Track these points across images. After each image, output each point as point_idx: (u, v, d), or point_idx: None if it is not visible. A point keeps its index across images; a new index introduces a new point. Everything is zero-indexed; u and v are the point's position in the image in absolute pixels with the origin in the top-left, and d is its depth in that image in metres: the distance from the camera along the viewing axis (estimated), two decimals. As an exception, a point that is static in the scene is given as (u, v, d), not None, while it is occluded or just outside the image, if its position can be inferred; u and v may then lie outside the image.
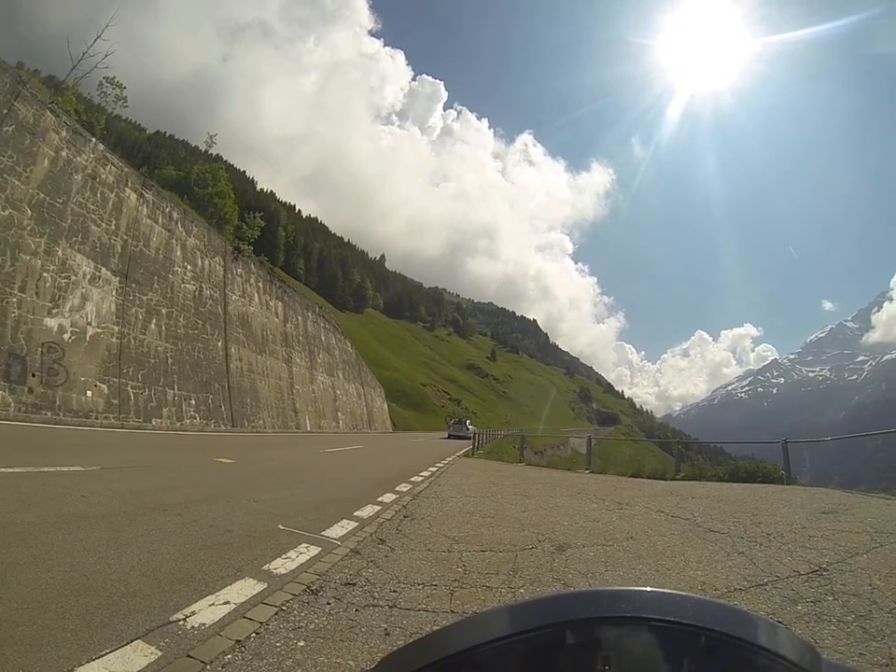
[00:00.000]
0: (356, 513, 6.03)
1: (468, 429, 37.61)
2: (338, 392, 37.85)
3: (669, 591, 0.46)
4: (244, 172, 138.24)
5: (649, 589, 0.46)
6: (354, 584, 3.61)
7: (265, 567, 3.75)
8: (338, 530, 5.14)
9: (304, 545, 4.44)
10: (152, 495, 5.75)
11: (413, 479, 9.84)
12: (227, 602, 3.07)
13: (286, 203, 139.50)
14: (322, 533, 4.95)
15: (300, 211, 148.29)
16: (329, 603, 3.25)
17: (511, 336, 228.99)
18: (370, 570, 3.97)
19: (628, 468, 14.16)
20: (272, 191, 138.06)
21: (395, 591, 3.53)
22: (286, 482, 8.33)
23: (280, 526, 4.99)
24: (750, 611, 0.47)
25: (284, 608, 3.12)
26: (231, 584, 3.34)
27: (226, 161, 78.47)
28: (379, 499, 7.14)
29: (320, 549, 4.40)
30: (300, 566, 3.91)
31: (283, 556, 4.06)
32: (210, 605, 2.99)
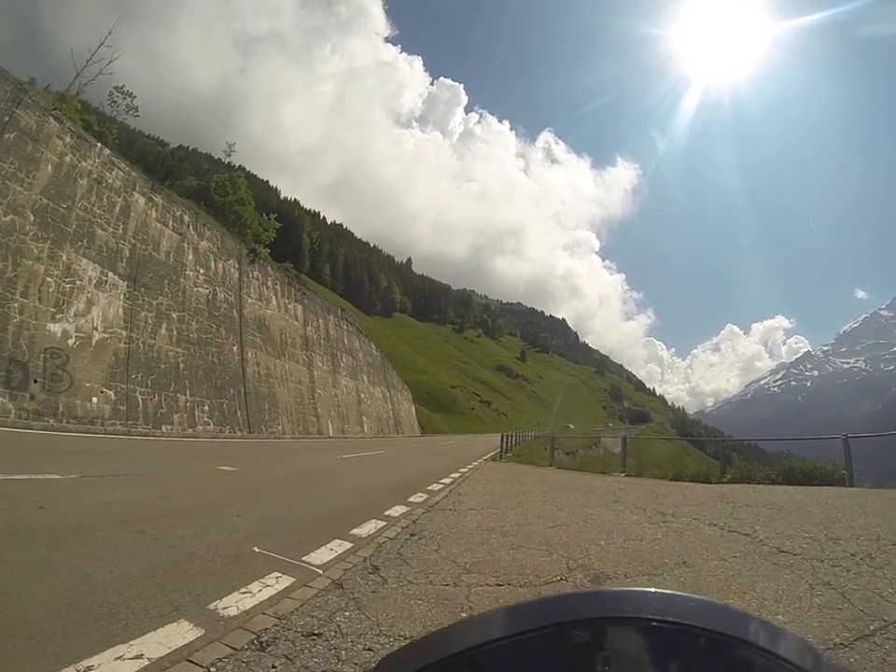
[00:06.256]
0: (353, 531, 5.20)
1: None
2: (362, 396, 37.26)
3: (671, 592, 0.45)
4: (267, 181, 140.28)
5: (651, 590, 0.45)
6: (319, 635, 2.74)
7: (212, 606, 2.96)
8: (324, 554, 4.30)
9: (276, 574, 3.63)
10: (126, 507, 5.16)
11: (431, 487, 8.98)
12: (139, 656, 2.33)
13: (310, 210, 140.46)
14: (303, 558, 4.11)
15: (324, 218, 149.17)
16: (274, 666, 2.39)
17: (541, 336, 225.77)
18: (347, 613, 3.10)
19: (666, 469, 12.99)
20: (295, 199, 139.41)
21: (370, 648, 2.61)
22: (286, 492, 7.65)
23: (255, 549, 4.19)
24: (753, 614, 0.46)
25: (212, 669, 2.29)
26: (157, 629, 2.59)
27: (248, 172, 79.37)
28: (386, 513, 6.30)
29: (293, 580, 3.57)
30: (258, 604, 3.08)
31: (241, 590, 3.25)
32: (116, 658, 2.27)
